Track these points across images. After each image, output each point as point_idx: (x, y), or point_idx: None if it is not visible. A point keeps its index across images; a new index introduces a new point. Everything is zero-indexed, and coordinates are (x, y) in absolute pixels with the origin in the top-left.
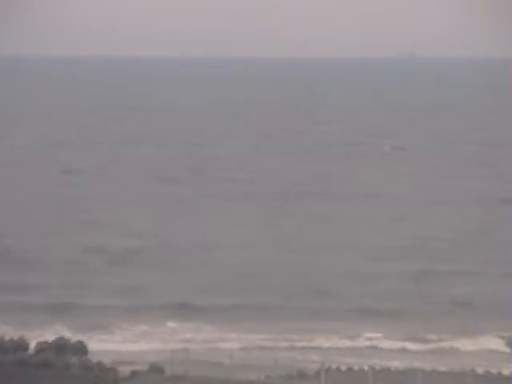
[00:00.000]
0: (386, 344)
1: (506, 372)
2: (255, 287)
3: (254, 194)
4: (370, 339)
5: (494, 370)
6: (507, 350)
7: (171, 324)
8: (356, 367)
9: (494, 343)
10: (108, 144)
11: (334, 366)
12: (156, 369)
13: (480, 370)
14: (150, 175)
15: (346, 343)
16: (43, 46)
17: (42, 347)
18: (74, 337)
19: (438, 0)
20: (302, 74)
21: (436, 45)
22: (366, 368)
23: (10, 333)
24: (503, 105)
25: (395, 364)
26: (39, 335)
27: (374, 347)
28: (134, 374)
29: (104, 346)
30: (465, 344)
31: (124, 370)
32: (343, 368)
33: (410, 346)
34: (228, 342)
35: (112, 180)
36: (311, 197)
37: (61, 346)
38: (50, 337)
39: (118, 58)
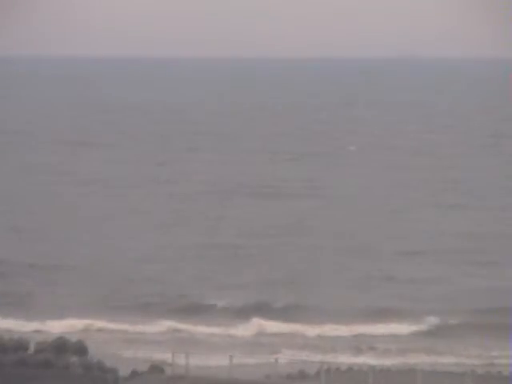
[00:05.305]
0: None
1: (505, 372)
2: None
3: None
4: None
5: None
6: None
7: None
8: (356, 367)
9: None
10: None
11: (333, 366)
12: (156, 369)
13: (480, 371)
14: None
15: None
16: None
17: (42, 347)
18: None
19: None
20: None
21: (436, 45)
22: (365, 368)
23: None
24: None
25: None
26: None
27: None
28: (134, 373)
29: None
30: None
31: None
32: (343, 368)
33: None
34: None
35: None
36: None
37: (61, 345)
38: None
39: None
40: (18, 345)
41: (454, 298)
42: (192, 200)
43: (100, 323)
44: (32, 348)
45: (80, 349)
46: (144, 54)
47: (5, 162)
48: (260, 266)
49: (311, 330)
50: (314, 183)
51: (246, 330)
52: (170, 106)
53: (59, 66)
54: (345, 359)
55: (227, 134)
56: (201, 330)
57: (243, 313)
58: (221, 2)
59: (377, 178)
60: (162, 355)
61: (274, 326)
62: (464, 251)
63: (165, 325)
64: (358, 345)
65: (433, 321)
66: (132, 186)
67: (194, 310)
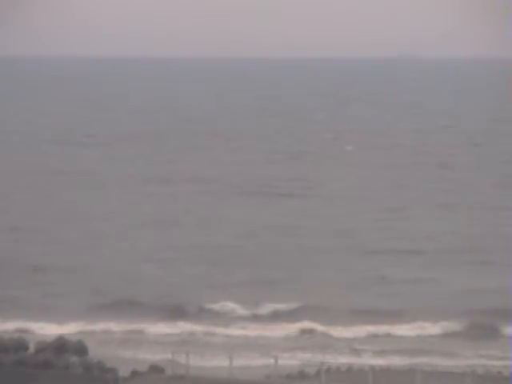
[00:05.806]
0: None
1: (505, 372)
2: None
3: None
4: None
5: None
6: None
7: None
8: (356, 367)
9: None
10: None
11: (333, 366)
12: (156, 369)
13: (480, 371)
14: None
15: None
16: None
17: (42, 347)
18: None
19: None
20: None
21: (436, 45)
22: (365, 368)
23: None
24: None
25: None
26: None
27: None
28: (134, 374)
29: None
30: None
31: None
32: (343, 368)
33: None
34: None
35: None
36: None
37: (61, 345)
38: None
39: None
40: (18, 345)
41: (453, 298)
42: (189, 200)
43: (99, 323)
44: (32, 348)
45: (80, 349)
46: (144, 53)
47: (3, 162)
48: (257, 265)
49: (311, 330)
50: (311, 183)
51: (245, 329)
52: (169, 106)
53: (59, 66)
54: (345, 359)
55: (226, 133)
56: (200, 329)
57: (242, 313)
58: (221, 2)
59: (374, 178)
60: (162, 355)
61: (272, 326)
62: (462, 251)
63: (165, 325)
64: (358, 345)
65: (432, 321)
66: (130, 186)
67: (194, 310)
